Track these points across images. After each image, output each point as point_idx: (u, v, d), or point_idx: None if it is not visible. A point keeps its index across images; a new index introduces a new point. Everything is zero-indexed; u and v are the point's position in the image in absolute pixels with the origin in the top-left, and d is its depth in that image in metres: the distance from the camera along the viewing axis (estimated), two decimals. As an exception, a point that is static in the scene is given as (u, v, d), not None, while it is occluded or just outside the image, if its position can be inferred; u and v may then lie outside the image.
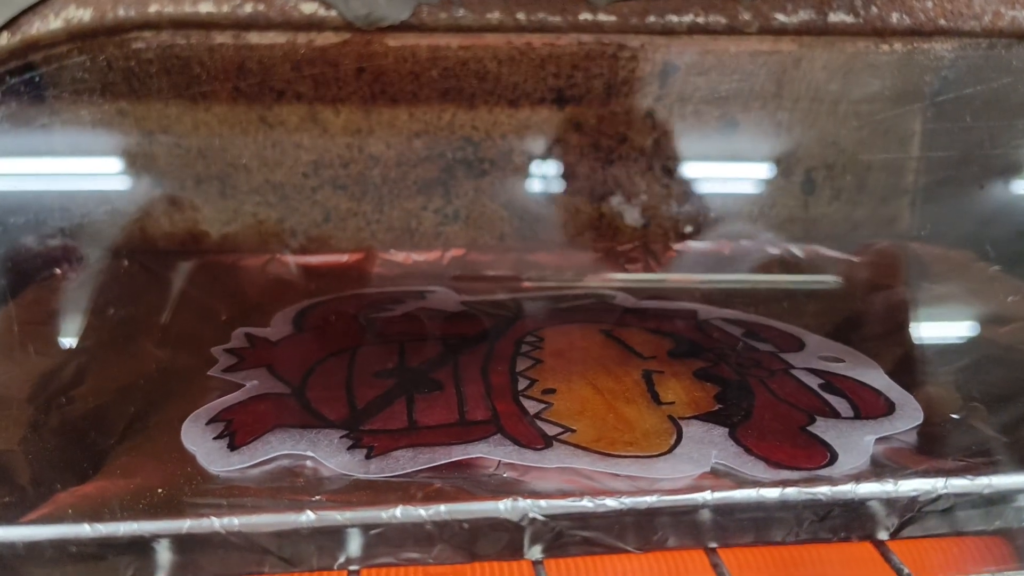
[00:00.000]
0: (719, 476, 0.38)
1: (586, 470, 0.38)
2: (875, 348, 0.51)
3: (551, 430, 0.41)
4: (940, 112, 0.56)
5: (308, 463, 0.39)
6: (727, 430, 0.41)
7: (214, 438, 0.41)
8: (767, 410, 0.43)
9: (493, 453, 0.39)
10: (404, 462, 0.39)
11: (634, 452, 0.39)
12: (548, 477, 0.38)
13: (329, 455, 0.39)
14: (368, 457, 0.39)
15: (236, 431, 0.41)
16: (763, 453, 0.39)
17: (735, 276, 0.61)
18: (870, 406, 0.44)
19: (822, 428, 0.42)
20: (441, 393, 0.45)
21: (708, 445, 0.40)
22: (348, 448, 0.40)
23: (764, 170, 0.62)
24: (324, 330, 0.52)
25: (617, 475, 0.38)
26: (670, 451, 0.40)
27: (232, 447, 0.40)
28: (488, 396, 0.44)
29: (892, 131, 0.60)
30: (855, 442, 0.40)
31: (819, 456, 0.39)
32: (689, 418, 0.42)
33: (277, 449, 0.40)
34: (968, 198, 0.59)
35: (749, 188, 0.63)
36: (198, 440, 0.41)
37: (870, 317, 0.56)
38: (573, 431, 0.41)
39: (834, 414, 0.43)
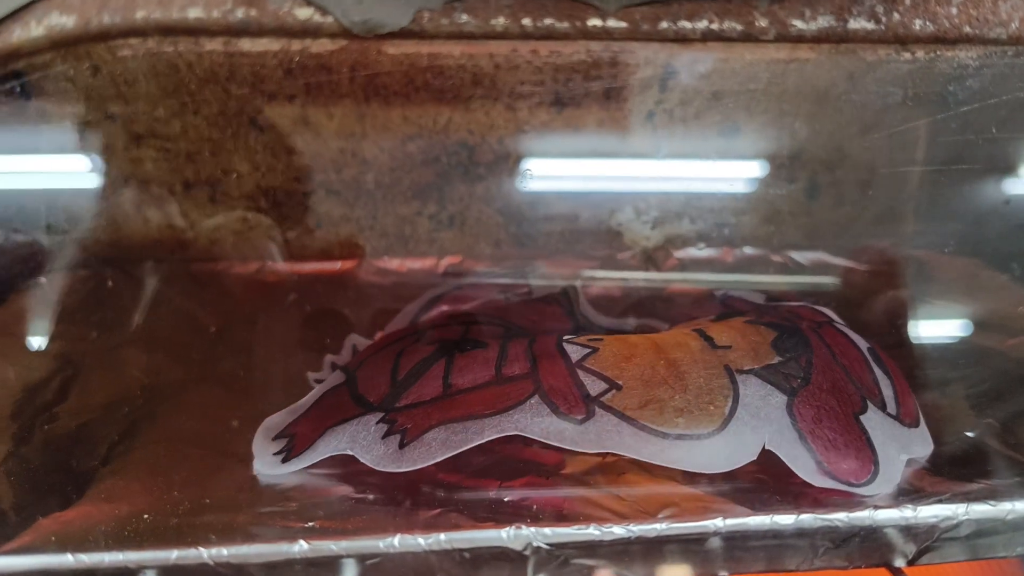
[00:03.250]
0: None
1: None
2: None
3: (594, 387, 0.38)
4: (947, 118, 0.55)
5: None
6: (785, 399, 0.38)
7: (274, 453, 0.40)
8: (825, 374, 0.40)
9: (529, 428, 0.37)
10: (436, 448, 0.37)
11: (683, 427, 0.37)
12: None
13: (366, 448, 0.38)
14: (402, 446, 0.38)
15: (295, 446, 0.40)
16: (817, 448, 0.37)
17: (731, 277, 0.60)
18: (908, 407, 0.42)
19: (872, 422, 0.39)
20: (483, 351, 0.42)
21: (763, 422, 0.37)
22: (383, 436, 0.38)
23: (767, 175, 0.61)
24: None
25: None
26: (723, 426, 0.37)
27: (285, 461, 0.40)
28: (531, 346, 0.41)
29: (897, 136, 0.59)
30: (892, 456, 0.38)
31: (866, 466, 0.37)
32: (747, 372, 0.39)
33: (322, 453, 0.39)
34: (975, 205, 0.58)
35: (751, 194, 0.62)
36: (261, 451, 0.41)
37: (873, 325, 0.55)
38: (619, 387, 0.38)
39: (882, 404, 0.41)
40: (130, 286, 0.55)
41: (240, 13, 0.33)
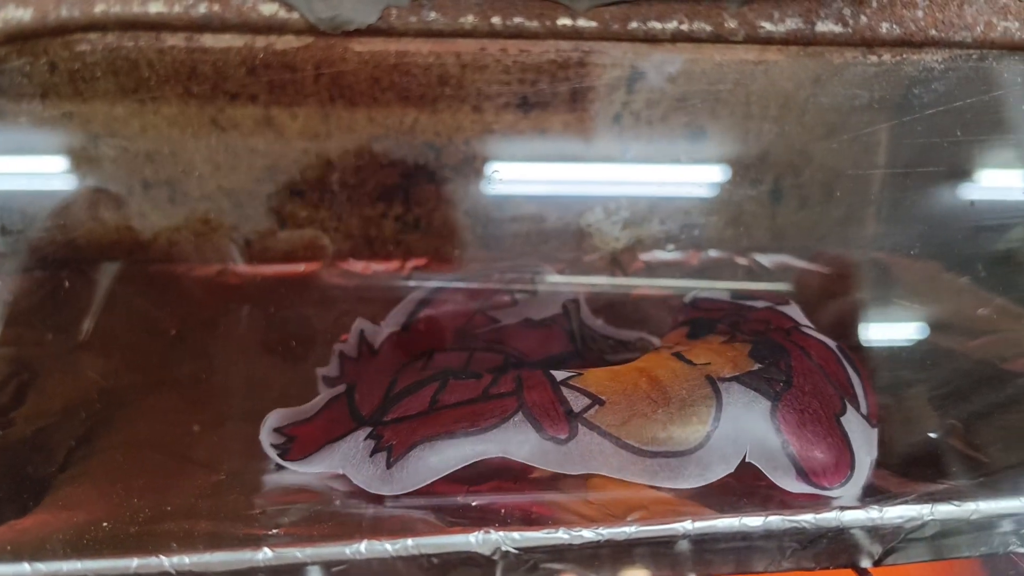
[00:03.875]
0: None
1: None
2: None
3: (577, 403, 0.38)
4: (912, 121, 0.55)
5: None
6: (769, 405, 0.38)
7: (272, 444, 0.41)
8: (806, 376, 0.40)
9: (512, 451, 0.37)
10: (423, 471, 0.37)
11: (664, 443, 0.37)
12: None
13: (357, 467, 0.38)
14: (389, 465, 0.37)
15: (291, 449, 0.41)
16: (800, 455, 0.37)
17: (694, 283, 0.60)
18: (873, 406, 0.42)
19: (851, 424, 0.39)
20: (477, 381, 0.41)
21: (745, 432, 0.37)
22: (371, 453, 0.38)
23: (731, 178, 0.61)
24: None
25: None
26: (705, 440, 0.37)
27: (281, 457, 0.40)
28: (519, 373, 0.41)
29: (863, 138, 0.59)
30: (863, 459, 0.38)
31: (843, 470, 0.38)
32: (729, 379, 0.39)
33: (316, 468, 0.39)
34: (940, 208, 0.59)
35: (716, 196, 0.62)
36: (264, 435, 0.41)
37: (836, 328, 0.55)
38: (601, 402, 0.38)
39: (856, 403, 0.41)
40: (87, 288, 0.54)
41: (203, 8, 0.33)
